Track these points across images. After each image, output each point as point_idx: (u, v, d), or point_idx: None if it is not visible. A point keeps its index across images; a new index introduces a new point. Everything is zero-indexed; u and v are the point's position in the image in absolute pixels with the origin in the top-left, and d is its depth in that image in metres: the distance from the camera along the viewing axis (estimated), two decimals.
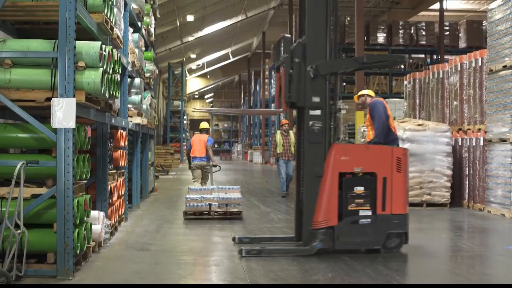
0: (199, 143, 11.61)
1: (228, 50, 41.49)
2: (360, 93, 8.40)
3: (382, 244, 6.86)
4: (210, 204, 9.82)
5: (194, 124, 53.09)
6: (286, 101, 7.00)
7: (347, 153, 6.83)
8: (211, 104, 59.80)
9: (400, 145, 11.59)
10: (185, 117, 36.54)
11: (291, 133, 14.12)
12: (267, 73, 35.80)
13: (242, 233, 8.41)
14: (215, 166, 11.58)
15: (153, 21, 14.44)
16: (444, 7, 24.77)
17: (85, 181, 6.57)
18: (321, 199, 6.73)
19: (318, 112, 6.88)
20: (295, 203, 7.34)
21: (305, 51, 6.93)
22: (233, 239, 7.57)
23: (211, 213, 9.85)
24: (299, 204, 7.16)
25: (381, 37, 24.22)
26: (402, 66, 25.64)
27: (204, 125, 12.20)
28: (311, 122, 6.87)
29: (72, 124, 5.51)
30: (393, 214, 6.87)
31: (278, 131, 14.22)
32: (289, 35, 7.27)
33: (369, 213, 6.80)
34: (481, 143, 11.34)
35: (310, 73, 6.84)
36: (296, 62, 6.92)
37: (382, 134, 7.76)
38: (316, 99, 6.88)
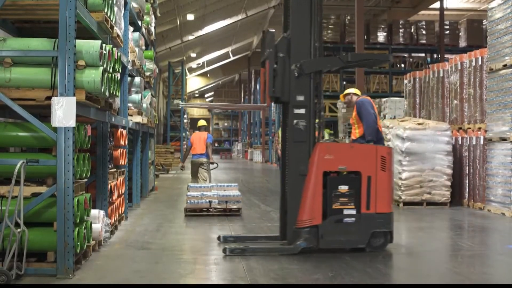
0: (199, 140, 12.04)
1: (229, 49, 41.49)
2: (346, 91, 8.42)
3: (367, 243, 6.83)
4: (210, 201, 10.09)
5: (194, 123, 53.10)
6: (270, 96, 6.96)
7: (331, 152, 6.81)
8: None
9: (400, 144, 11.65)
10: (185, 116, 36.54)
11: None
12: None
13: (242, 232, 8.42)
14: (212, 163, 11.98)
15: (153, 20, 14.44)
16: (445, 6, 24.76)
17: (85, 180, 6.57)
18: (305, 198, 6.72)
19: (302, 110, 6.86)
20: (280, 202, 7.31)
21: (289, 46, 6.91)
22: (218, 238, 7.53)
23: (211, 209, 10.07)
24: (283, 203, 7.13)
25: (381, 36, 24.24)
26: (403, 65, 25.66)
27: (201, 122, 12.65)
28: (295, 121, 6.85)
29: (72, 123, 5.51)
30: (377, 213, 6.85)
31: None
32: (273, 30, 7.22)
33: (354, 212, 6.79)
34: (481, 142, 11.34)
35: (295, 72, 6.83)
36: (280, 56, 6.89)
37: (374, 131, 7.77)
38: (301, 98, 6.86)
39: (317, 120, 6.94)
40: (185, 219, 9.80)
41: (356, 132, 8.06)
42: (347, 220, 6.78)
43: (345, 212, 6.78)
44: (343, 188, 6.79)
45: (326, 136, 13.92)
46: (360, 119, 7.97)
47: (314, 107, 6.93)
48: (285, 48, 6.92)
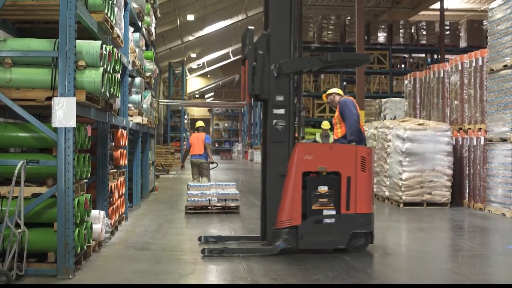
0: (197, 141, 12.36)
1: (229, 50, 41.46)
2: (329, 91, 8.39)
3: (347, 244, 6.78)
4: (209, 200, 10.44)
5: (195, 124, 53.04)
6: (250, 94, 6.93)
7: (310, 152, 6.77)
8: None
9: (401, 145, 11.65)
10: (185, 116, 36.53)
11: (332, 135, 13.35)
12: None
13: (242, 232, 8.41)
14: (212, 163, 12.28)
15: (154, 21, 14.44)
16: (445, 6, 24.77)
17: (86, 181, 6.57)
18: (285, 199, 6.69)
19: (281, 111, 6.84)
20: (261, 202, 7.28)
21: (269, 44, 6.90)
22: (199, 238, 7.49)
23: (210, 207, 10.43)
24: (264, 204, 7.10)
25: (381, 37, 24.25)
26: (403, 66, 25.66)
27: (199, 123, 13.03)
28: (274, 121, 6.83)
29: (72, 123, 5.51)
30: (357, 213, 6.79)
31: (318, 134, 14.32)
32: (252, 28, 7.18)
33: (333, 212, 6.75)
34: (482, 142, 11.33)
35: (274, 72, 6.81)
36: (259, 54, 6.87)
37: (356, 131, 7.75)
38: (280, 98, 6.84)
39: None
40: (185, 219, 9.81)
41: (338, 132, 8.02)
42: (326, 220, 6.74)
43: (325, 212, 6.74)
44: (323, 189, 6.75)
45: (318, 138, 13.98)
46: (342, 119, 7.93)
47: (293, 107, 6.91)
48: (265, 45, 6.89)
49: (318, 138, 13.84)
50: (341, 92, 8.32)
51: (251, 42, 6.95)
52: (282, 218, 6.69)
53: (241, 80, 7.44)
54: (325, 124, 14.94)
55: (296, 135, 6.95)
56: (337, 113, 8.08)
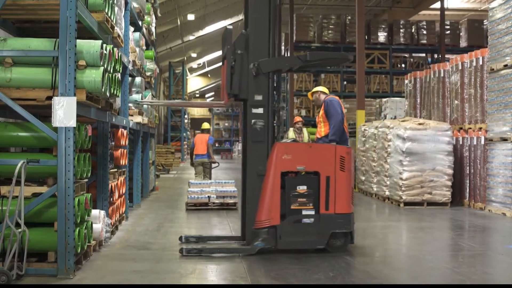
0: (201, 142, 12.88)
1: None
2: (314, 89, 8.38)
3: (326, 244, 6.73)
4: (209, 196, 10.87)
5: (195, 123, 53.05)
6: (228, 93, 6.92)
7: (289, 152, 6.74)
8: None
9: (401, 144, 11.65)
10: (185, 116, 36.52)
11: (305, 130, 13.61)
12: None
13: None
14: (214, 162, 12.83)
15: (154, 20, 14.44)
16: (445, 6, 24.74)
17: (86, 180, 6.57)
18: (264, 198, 6.67)
19: (260, 110, 6.82)
20: (241, 202, 7.25)
21: (247, 43, 6.88)
22: (180, 238, 7.46)
23: (210, 204, 10.85)
24: (244, 203, 7.07)
25: (382, 36, 24.22)
26: (403, 65, 25.65)
27: (205, 125, 13.73)
28: (253, 121, 6.81)
29: (72, 123, 5.51)
30: (336, 213, 6.74)
31: (291, 129, 13.72)
32: (231, 27, 7.19)
33: (312, 212, 6.70)
34: (482, 142, 11.33)
35: (252, 71, 6.80)
36: (238, 53, 6.85)
37: (338, 132, 7.73)
38: (259, 97, 6.83)
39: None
40: (186, 219, 9.81)
41: (322, 131, 7.99)
42: (305, 220, 6.70)
43: (304, 212, 6.70)
44: (302, 189, 6.72)
45: (305, 136, 13.70)
46: (327, 118, 7.92)
47: (272, 107, 6.89)
48: (243, 45, 6.88)
49: (291, 134, 13.35)
50: (326, 90, 8.29)
51: (229, 42, 6.94)
52: (261, 218, 6.67)
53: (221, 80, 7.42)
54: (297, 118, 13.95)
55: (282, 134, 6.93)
56: (321, 112, 8.03)
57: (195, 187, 11.14)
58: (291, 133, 13.54)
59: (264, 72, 6.81)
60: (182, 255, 6.58)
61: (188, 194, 11.01)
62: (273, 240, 6.64)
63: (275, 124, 6.93)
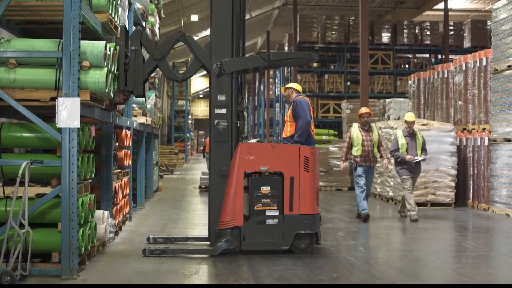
0: None
1: None
2: (287, 85, 8.33)
3: (291, 245, 6.69)
4: None
5: (199, 124, 53.12)
6: (122, 90, 6.93)
7: (252, 153, 6.72)
8: None
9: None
10: (189, 116, 36.56)
11: (374, 127, 10.05)
12: (271, 72, 35.77)
13: None
14: None
15: (158, 21, 14.47)
16: (449, 6, 24.68)
17: (90, 181, 6.59)
18: (227, 199, 6.66)
19: (223, 110, 6.81)
20: (208, 202, 7.17)
21: (141, 39, 7.00)
22: (148, 239, 7.43)
23: None
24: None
25: (385, 37, 24.17)
26: (407, 66, 25.61)
27: None
28: (216, 121, 6.80)
29: (76, 123, 5.52)
30: (301, 214, 6.69)
31: (355, 124, 10.00)
32: (124, 26, 7.15)
33: (276, 213, 6.68)
34: (486, 143, 11.31)
35: (215, 71, 6.79)
36: (132, 50, 6.89)
37: (304, 133, 7.69)
38: (222, 98, 6.82)
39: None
40: (189, 220, 9.81)
41: (288, 131, 7.95)
42: (269, 221, 6.67)
43: (268, 213, 6.67)
44: (265, 189, 6.70)
45: (375, 135, 12.47)
46: (294, 119, 7.89)
47: (236, 107, 6.88)
48: (138, 41, 6.98)
49: (356, 131, 9.71)
50: (299, 89, 8.22)
51: (122, 39, 6.92)
52: (224, 218, 6.66)
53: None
54: (411, 116, 10.30)
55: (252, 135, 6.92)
56: (289, 111, 7.99)
57: (206, 175, 13.56)
58: (355, 131, 9.82)
59: (227, 72, 6.80)
60: (145, 255, 6.54)
61: (200, 180, 15.46)
62: (237, 241, 6.62)
63: (238, 125, 6.91)
